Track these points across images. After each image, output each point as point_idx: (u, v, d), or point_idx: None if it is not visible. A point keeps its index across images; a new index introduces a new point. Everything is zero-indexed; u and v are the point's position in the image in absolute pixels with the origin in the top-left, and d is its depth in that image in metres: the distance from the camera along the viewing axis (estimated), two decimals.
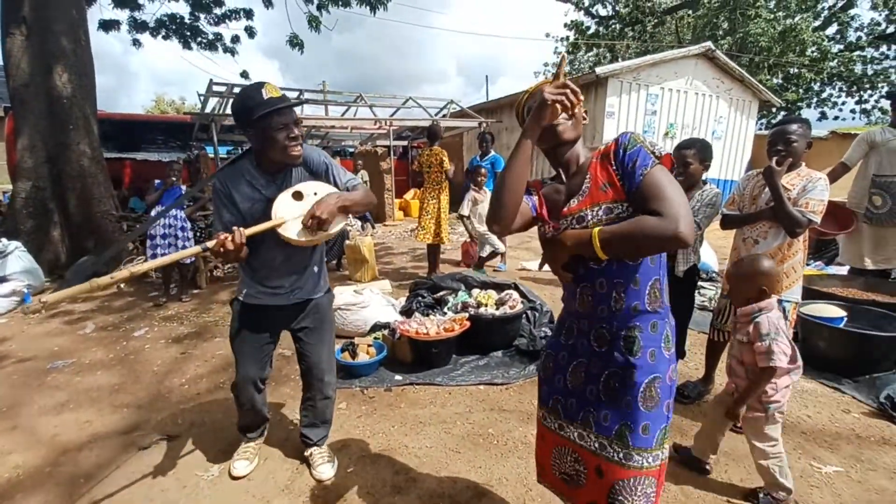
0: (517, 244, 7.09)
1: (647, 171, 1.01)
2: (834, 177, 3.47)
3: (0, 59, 5.89)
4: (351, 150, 13.47)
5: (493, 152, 5.48)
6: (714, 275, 4.62)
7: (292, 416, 2.48)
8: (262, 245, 1.69)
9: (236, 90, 9.14)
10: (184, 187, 4.72)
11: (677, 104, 10.03)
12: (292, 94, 10.13)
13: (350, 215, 1.79)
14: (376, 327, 3.49)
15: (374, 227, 9.46)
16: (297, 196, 1.66)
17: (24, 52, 5.66)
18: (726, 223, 2.36)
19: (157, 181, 4.73)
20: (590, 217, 1.09)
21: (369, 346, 3.02)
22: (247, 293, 1.82)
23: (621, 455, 1.10)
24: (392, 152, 10.81)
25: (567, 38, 21.20)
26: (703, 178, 2.47)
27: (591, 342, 1.17)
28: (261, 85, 1.55)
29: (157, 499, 1.89)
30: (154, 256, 4.44)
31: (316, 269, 1.91)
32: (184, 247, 4.56)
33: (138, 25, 8.89)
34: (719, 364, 2.64)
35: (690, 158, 2.37)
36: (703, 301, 4.03)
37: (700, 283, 4.39)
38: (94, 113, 6.32)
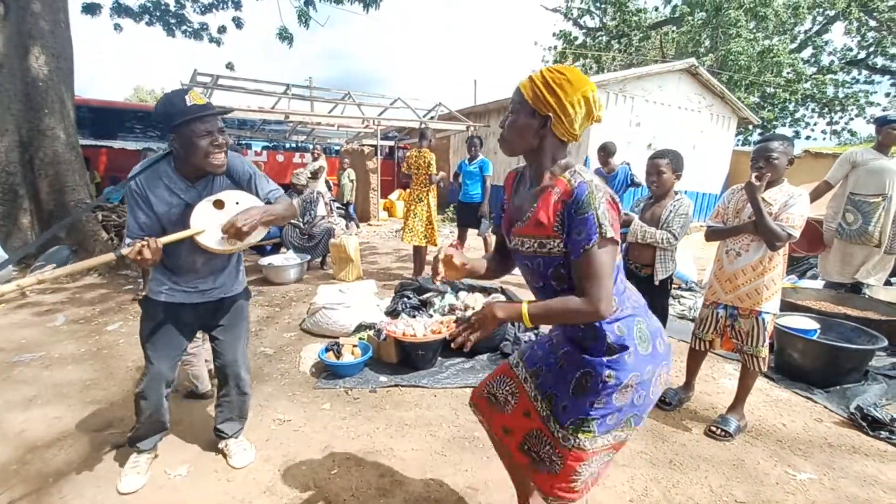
0: None
1: (587, 249, 1.06)
2: (817, 194, 3.62)
3: None
4: (337, 147, 13.36)
5: (481, 156, 5.49)
6: (693, 284, 4.74)
7: (274, 414, 2.43)
8: (181, 248, 1.67)
9: (222, 81, 8.97)
10: None
11: (660, 117, 10.27)
12: (278, 89, 9.98)
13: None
14: (361, 327, 3.45)
15: (358, 227, 9.39)
16: (219, 204, 1.64)
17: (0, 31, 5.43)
18: (710, 235, 2.43)
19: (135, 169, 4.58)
20: (526, 246, 1.19)
21: (354, 346, 2.99)
22: (159, 291, 1.77)
23: (545, 414, 1.27)
24: (378, 152, 10.75)
25: (555, 46, 21.51)
26: (675, 188, 2.54)
27: (562, 333, 1.32)
28: (185, 91, 1.55)
29: (130, 499, 1.82)
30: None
31: (234, 267, 1.91)
32: None
33: (122, 10, 8.63)
34: (699, 372, 2.71)
35: (664, 168, 2.44)
36: (682, 310, 4.12)
37: (679, 292, 4.49)
38: (72, 97, 6.11)
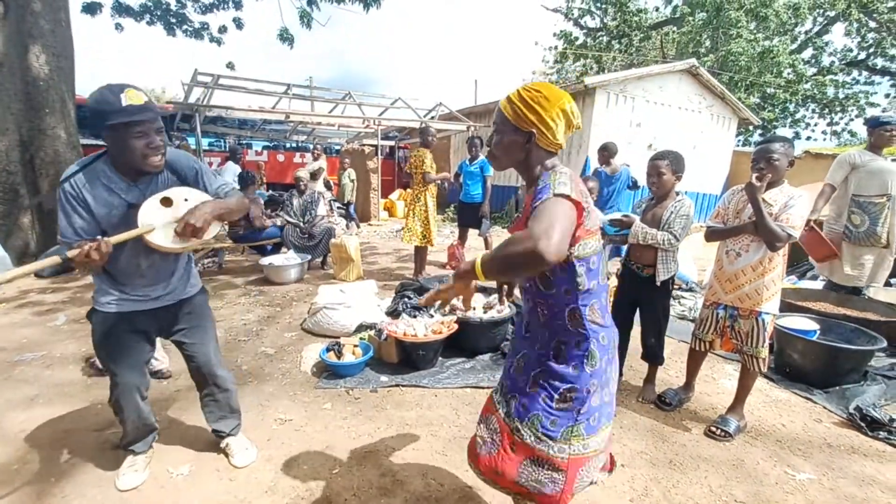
0: None
1: (541, 201, 1.07)
2: (825, 198, 3.63)
3: None
4: (337, 147, 13.36)
5: (481, 156, 5.50)
6: (693, 285, 4.74)
7: (275, 414, 2.44)
8: (121, 252, 1.58)
9: (222, 81, 8.98)
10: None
11: (661, 117, 10.28)
12: (279, 89, 9.99)
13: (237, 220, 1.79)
14: (362, 327, 3.46)
15: (358, 227, 9.39)
16: (166, 202, 1.58)
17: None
18: (710, 235, 2.43)
19: None
20: None
21: (355, 346, 2.99)
22: (105, 301, 1.68)
23: (532, 439, 1.24)
24: (379, 152, 10.76)
25: (556, 46, 21.51)
26: (676, 189, 2.54)
27: (531, 345, 1.32)
28: (121, 89, 1.46)
29: (133, 498, 1.83)
30: None
31: (183, 269, 1.84)
32: None
33: (122, 9, 8.63)
34: (699, 372, 2.72)
35: (664, 169, 2.44)
36: (682, 311, 4.13)
37: (679, 293, 4.50)
38: (73, 97, 6.10)
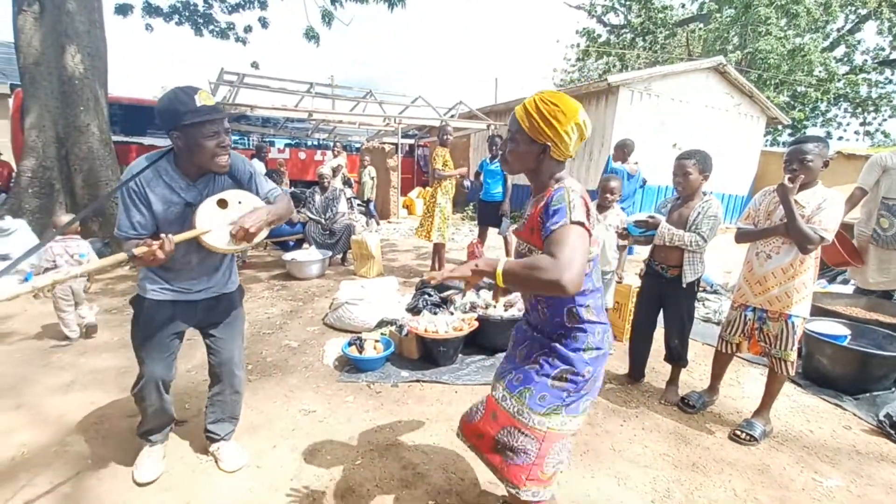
0: None
1: (556, 227, 1.14)
2: (853, 202, 3.52)
3: (12, 37, 5.87)
4: (357, 145, 13.48)
5: None
6: (718, 287, 4.65)
7: (299, 405, 2.49)
8: (179, 247, 1.60)
9: (247, 80, 9.14)
10: None
11: (686, 116, 10.07)
12: (302, 88, 10.12)
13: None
14: (383, 323, 3.50)
15: (378, 224, 9.47)
16: (222, 204, 1.62)
17: (35, 29, 5.65)
18: (740, 237, 2.39)
19: None
20: (522, 247, 1.38)
21: (377, 341, 3.03)
22: (152, 289, 1.72)
23: (515, 409, 1.32)
24: (399, 150, 10.82)
25: (578, 44, 21.27)
26: (703, 190, 2.50)
27: (535, 333, 1.42)
28: (194, 91, 1.52)
29: (165, 482, 1.90)
30: None
31: (227, 266, 1.88)
32: None
33: (152, 10, 8.88)
34: (724, 375, 2.67)
35: (690, 168, 2.40)
36: (706, 313, 4.05)
37: (704, 295, 4.42)
38: (105, 95, 6.32)
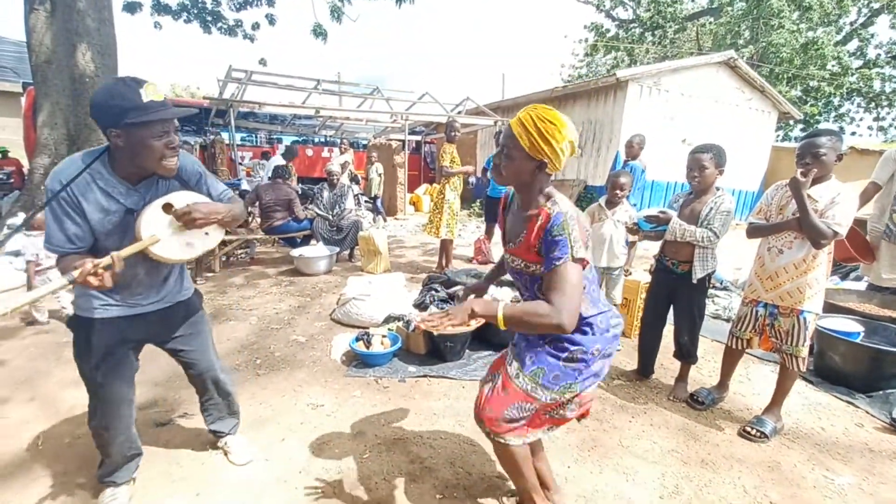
0: None
1: (558, 265, 1.23)
2: (866, 197, 3.46)
3: (23, 36, 5.94)
4: (364, 142, 13.50)
5: None
6: (728, 284, 4.61)
7: (307, 399, 2.51)
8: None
9: (255, 77, 9.18)
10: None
11: (696, 111, 9.97)
12: (309, 85, 10.15)
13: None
14: (390, 319, 3.51)
15: (385, 221, 9.49)
16: (168, 208, 1.44)
17: (47, 28, 5.70)
18: (752, 232, 2.36)
19: None
20: (516, 263, 1.43)
21: (384, 336, 3.04)
22: (91, 308, 1.50)
23: (530, 386, 1.39)
24: (406, 147, 10.82)
25: (586, 39, 21.11)
26: (717, 185, 2.47)
27: None
28: (138, 83, 1.32)
29: (175, 473, 1.92)
30: None
31: (179, 274, 1.70)
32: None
33: (161, 8, 8.93)
34: (734, 372, 2.65)
35: (706, 162, 2.37)
36: (716, 310, 4.02)
37: (713, 291, 4.37)
38: None
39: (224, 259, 5.55)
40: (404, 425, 2.30)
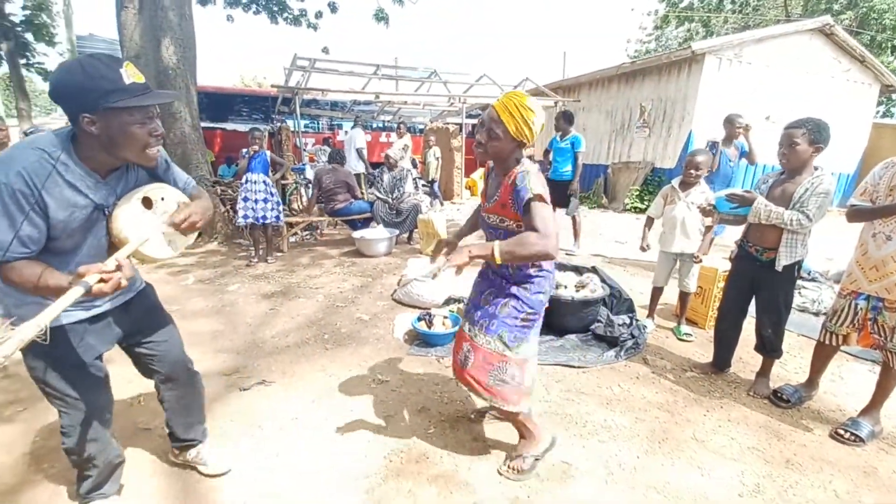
0: (590, 230, 6.84)
1: (527, 202, 1.50)
2: None
3: (113, 34, 6.47)
4: (421, 126, 13.56)
5: (572, 132, 5.27)
6: (816, 275, 4.20)
7: (373, 375, 2.60)
8: (81, 256, 1.29)
9: (318, 65, 9.45)
10: (268, 152, 5.00)
11: (783, 85, 9.05)
12: (368, 70, 10.30)
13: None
14: (450, 300, 3.54)
15: (442, 205, 9.54)
16: (147, 203, 1.33)
17: (136, 25, 6.18)
18: (854, 215, 2.12)
19: (243, 150, 5.07)
20: (492, 219, 1.71)
21: (445, 317, 3.08)
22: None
23: (500, 346, 1.71)
24: (463, 130, 10.75)
25: (656, 11, 19.74)
26: (815, 164, 2.23)
27: (503, 281, 1.74)
28: (118, 62, 1.16)
29: (256, 434, 2.07)
30: (246, 218, 4.78)
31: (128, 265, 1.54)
32: (274, 209, 4.86)
33: (232, 0, 9.39)
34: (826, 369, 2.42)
35: (798, 138, 2.14)
36: (803, 302, 3.68)
37: (800, 283, 4.01)
38: (195, 84, 6.81)
39: (291, 240, 5.84)
40: (467, 404, 2.33)
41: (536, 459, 1.83)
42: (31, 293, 1.18)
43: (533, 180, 1.52)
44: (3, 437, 2.05)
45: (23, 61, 10.88)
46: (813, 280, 4.09)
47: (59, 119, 20.44)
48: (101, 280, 1.09)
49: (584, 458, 1.94)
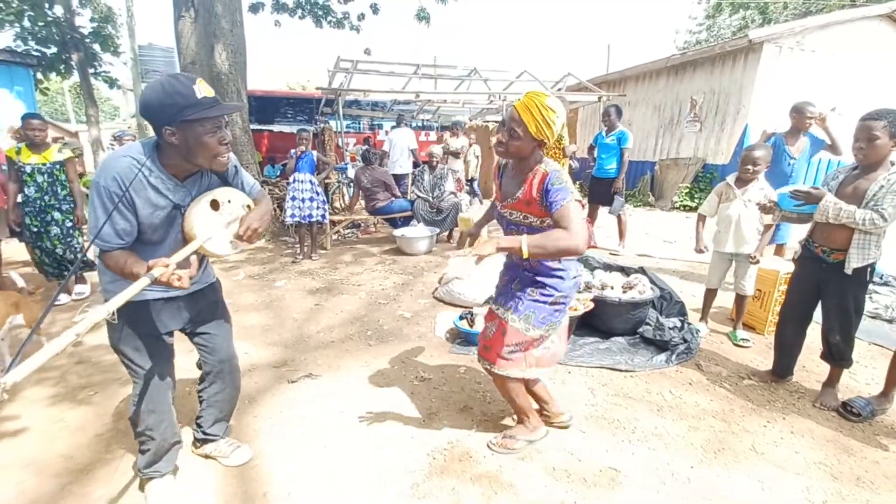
0: (637, 229, 6.62)
1: (564, 203, 1.53)
2: None
3: (170, 42, 6.84)
4: (461, 125, 13.56)
5: (619, 127, 5.09)
6: (890, 279, 3.87)
7: (415, 372, 2.62)
8: (163, 248, 1.48)
9: (361, 66, 9.64)
10: (314, 153, 5.15)
11: (849, 74, 8.41)
12: (408, 70, 10.40)
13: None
14: (491, 299, 3.51)
15: (481, 203, 9.51)
16: (214, 205, 1.48)
17: (192, 32, 6.52)
18: None
19: (291, 150, 5.23)
20: (514, 216, 1.74)
21: None
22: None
23: (523, 326, 1.75)
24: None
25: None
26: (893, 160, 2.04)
27: (526, 273, 1.79)
28: (191, 80, 1.33)
29: (302, 425, 2.14)
30: (293, 217, 4.94)
31: (205, 258, 1.71)
32: (320, 208, 5.00)
33: (280, 6, 9.73)
34: None
35: (878, 131, 1.97)
36: (875, 308, 3.39)
37: (872, 287, 3.70)
38: (245, 88, 7.11)
39: (334, 238, 5.98)
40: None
41: (529, 442, 1.95)
42: (119, 276, 1.39)
43: (569, 182, 1.58)
44: (79, 418, 2.22)
45: (91, 70, 11.68)
46: (886, 284, 3.77)
47: (121, 123, 21.90)
48: (170, 275, 1.26)
49: (633, 465, 1.87)
